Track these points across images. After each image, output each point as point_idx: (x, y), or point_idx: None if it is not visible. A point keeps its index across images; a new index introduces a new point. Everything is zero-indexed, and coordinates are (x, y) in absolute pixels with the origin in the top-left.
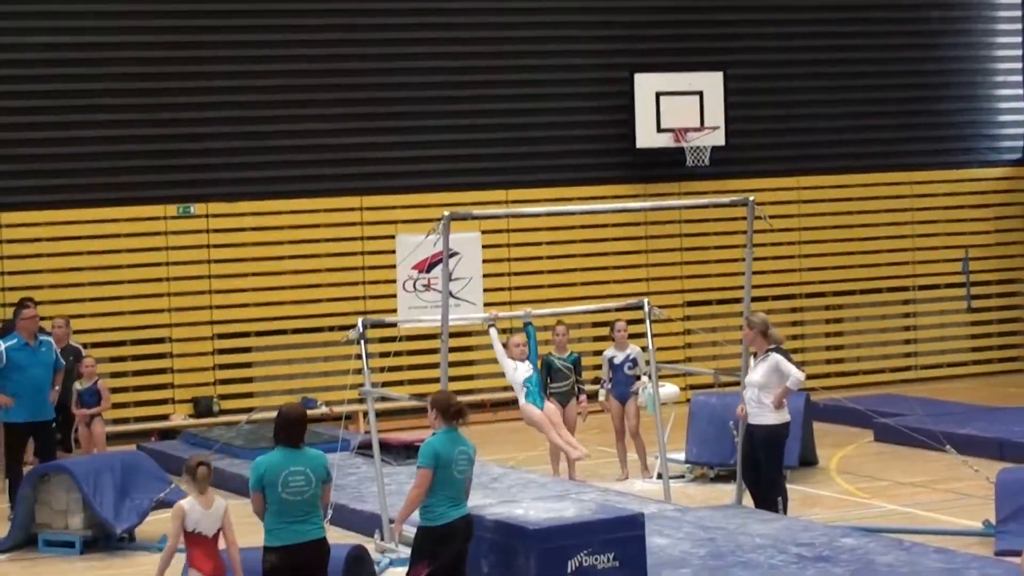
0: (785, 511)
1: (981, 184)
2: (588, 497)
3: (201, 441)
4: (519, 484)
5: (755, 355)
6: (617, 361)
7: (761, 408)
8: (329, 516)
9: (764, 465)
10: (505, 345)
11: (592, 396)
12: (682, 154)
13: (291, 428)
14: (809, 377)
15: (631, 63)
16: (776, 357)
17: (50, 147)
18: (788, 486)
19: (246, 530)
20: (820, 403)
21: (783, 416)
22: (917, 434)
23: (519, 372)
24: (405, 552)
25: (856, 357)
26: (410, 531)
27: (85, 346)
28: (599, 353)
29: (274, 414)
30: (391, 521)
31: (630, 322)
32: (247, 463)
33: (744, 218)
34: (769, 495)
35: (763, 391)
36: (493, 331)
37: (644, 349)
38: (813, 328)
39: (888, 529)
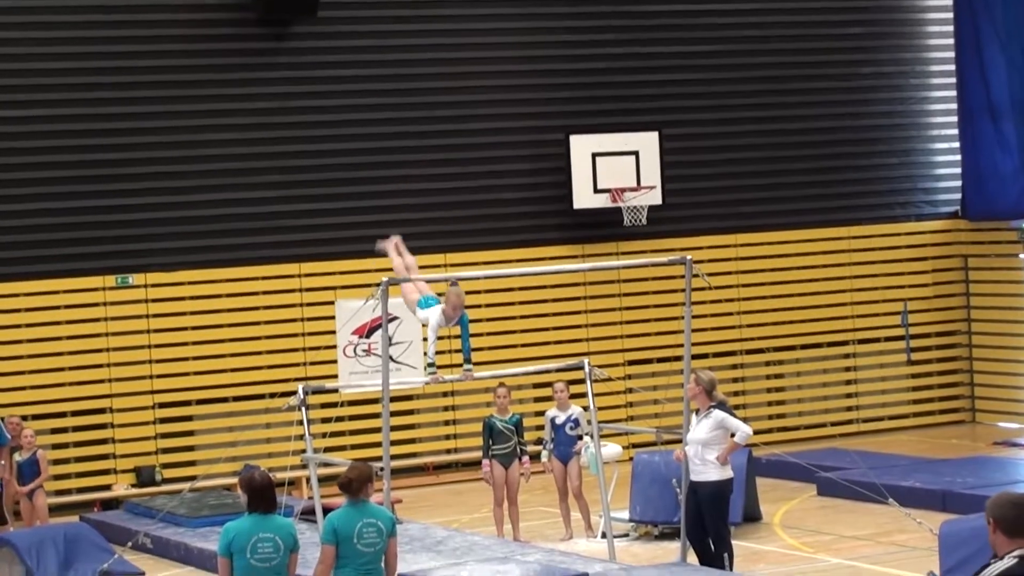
0: (731, 567)
1: (919, 238)
2: (532, 558)
3: (144, 510)
4: (464, 546)
5: (697, 412)
6: (559, 422)
7: (704, 465)
8: None
9: (709, 522)
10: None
11: (535, 457)
12: (619, 214)
13: (260, 495)
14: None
15: (566, 125)
16: (720, 414)
17: None
18: (733, 542)
19: None
20: (763, 458)
21: (726, 472)
22: (860, 487)
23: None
24: None
25: (798, 412)
26: None
27: (24, 418)
28: (541, 414)
29: (216, 482)
30: None
31: (571, 383)
32: (190, 532)
33: (682, 276)
34: (716, 551)
35: (706, 448)
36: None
37: (586, 409)
38: (754, 384)
39: None
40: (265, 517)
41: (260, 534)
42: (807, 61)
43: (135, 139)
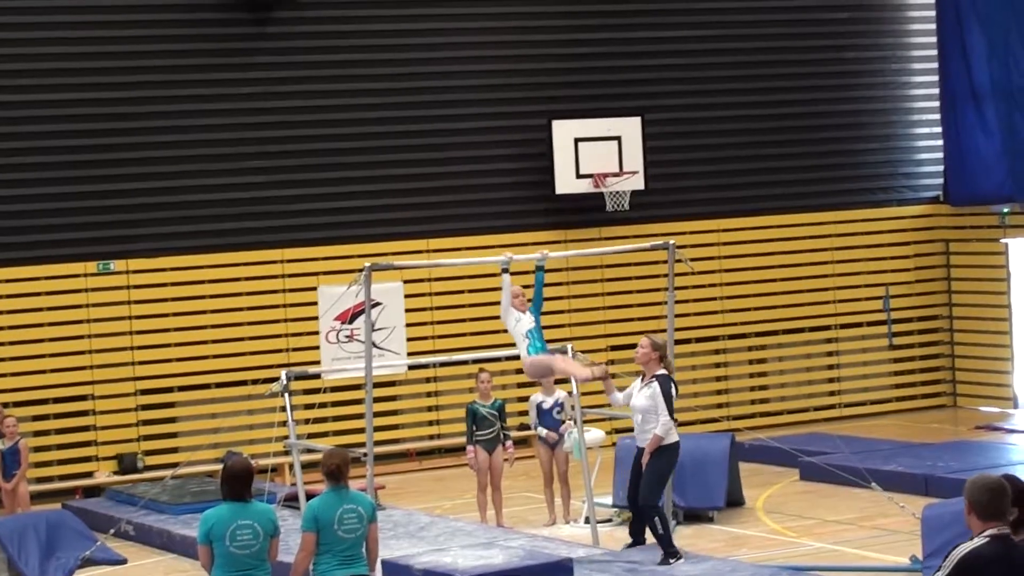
0: (665, 532)
1: (900, 223)
2: (516, 544)
3: (126, 498)
4: (447, 532)
5: (642, 377)
6: (546, 406)
7: (645, 434)
8: None
9: (644, 483)
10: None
11: (518, 442)
12: (602, 199)
13: (237, 482)
14: (734, 418)
15: (549, 110)
16: (657, 390)
17: None
18: (715, 527)
19: None
20: (745, 443)
21: (670, 437)
22: (842, 472)
23: (522, 324)
24: None
25: (780, 397)
26: None
27: (5, 405)
28: (524, 400)
29: (199, 469)
30: None
31: None
32: (172, 519)
33: (665, 261)
34: (644, 515)
35: (645, 416)
36: (506, 277)
37: (569, 394)
38: (737, 369)
39: (816, 567)
40: (243, 504)
41: (239, 521)
42: (789, 46)
43: (116, 125)
